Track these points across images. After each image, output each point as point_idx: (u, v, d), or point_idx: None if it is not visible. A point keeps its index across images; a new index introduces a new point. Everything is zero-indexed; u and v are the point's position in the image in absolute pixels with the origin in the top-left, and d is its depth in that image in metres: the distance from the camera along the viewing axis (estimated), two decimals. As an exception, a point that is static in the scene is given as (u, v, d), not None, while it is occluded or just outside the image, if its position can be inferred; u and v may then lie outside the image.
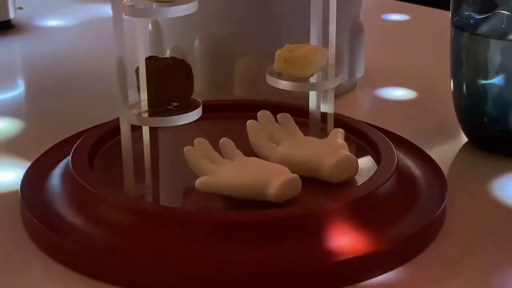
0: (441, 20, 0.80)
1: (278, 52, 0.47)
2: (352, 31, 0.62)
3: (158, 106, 0.43)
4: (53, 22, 0.81)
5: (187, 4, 0.41)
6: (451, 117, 0.54)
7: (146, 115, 0.42)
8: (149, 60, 0.43)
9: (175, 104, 0.43)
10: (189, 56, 0.59)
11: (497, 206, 0.46)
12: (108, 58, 0.61)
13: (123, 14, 0.40)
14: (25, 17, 0.81)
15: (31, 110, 0.63)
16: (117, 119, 0.49)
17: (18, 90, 0.67)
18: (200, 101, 0.43)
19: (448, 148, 0.54)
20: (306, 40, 0.48)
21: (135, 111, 0.42)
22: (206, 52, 0.59)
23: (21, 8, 0.82)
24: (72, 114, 0.59)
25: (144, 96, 0.42)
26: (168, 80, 0.42)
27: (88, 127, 0.51)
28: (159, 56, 0.45)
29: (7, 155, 0.53)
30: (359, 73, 0.64)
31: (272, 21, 0.58)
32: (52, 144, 0.50)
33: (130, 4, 0.41)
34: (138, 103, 0.43)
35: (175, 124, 0.42)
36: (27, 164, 0.48)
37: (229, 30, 0.58)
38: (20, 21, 0.79)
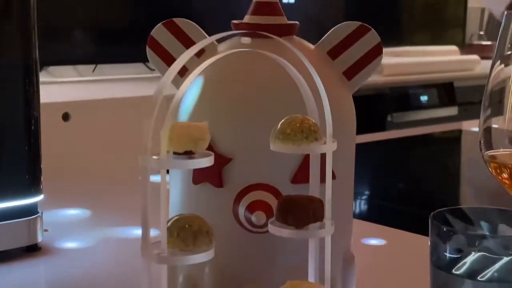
0: (417, 244, 0.88)
1: (280, 289, 0.55)
2: (344, 262, 0.69)
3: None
4: (74, 244, 0.90)
5: (204, 253, 0.49)
6: None
7: None
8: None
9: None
10: (200, 281, 0.67)
11: None
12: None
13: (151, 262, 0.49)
14: (51, 238, 0.89)
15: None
16: None
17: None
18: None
19: None
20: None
21: None
22: (215, 279, 0.66)
23: (46, 230, 0.90)
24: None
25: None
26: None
27: None
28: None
29: None
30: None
31: (275, 256, 0.66)
32: None
33: (157, 252, 0.49)
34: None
35: None
36: None
37: (235, 261, 0.66)
38: (46, 243, 0.88)
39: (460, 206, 0.63)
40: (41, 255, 0.85)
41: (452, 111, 2.66)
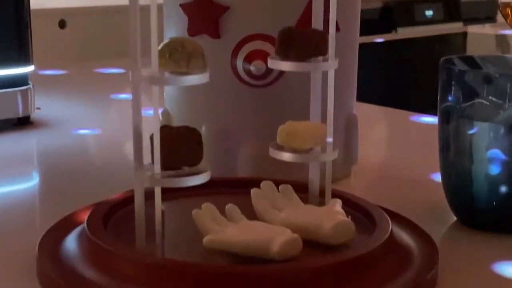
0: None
1: (281, 127, 0.51)
2: (347, 123, 0.66)
3: (170, 169, 0.46)
4: (66, 120, 0.87)
5: (199, 75, 0.46)
6: (441, 198, 0.58)
7: (158, 177, 0.46)
8: (164, 128, 0.47)
9: (185, 168, 0.47)
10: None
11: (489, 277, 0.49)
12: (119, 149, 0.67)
13: (142, 83, 0.45)
14: (43, 116, 0.86)
15: (44, 193, 0.67)
16: (125, 193, 0.53)
17: (33, 182, 0.71)
18: (208, 166, 0.47)
19: (437, 226, 0.57)
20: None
21: (148, 173, 0.46)
22: (212, 136, 0.63)
23: (39, 108, 0.87)
24: (83, 193, 0.63)
25: (157, 160, 0.46)
26: (180, 146, 0.46)
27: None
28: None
29: (25, 223, 0.56)
30: (354, 161, 0.68)
31: (274, 111, 0.63)
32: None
33: (147, 74, 0.45)
34: (151, 168, 0.46)
35: (185, 185, 0.46)
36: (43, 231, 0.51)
37: (234, 118, 0.63)
38: (39, 119, 0.85)
39: (470, 55, 0.60)
40: (33, 128, 0.83)
41: (457, 26, 2.60)
